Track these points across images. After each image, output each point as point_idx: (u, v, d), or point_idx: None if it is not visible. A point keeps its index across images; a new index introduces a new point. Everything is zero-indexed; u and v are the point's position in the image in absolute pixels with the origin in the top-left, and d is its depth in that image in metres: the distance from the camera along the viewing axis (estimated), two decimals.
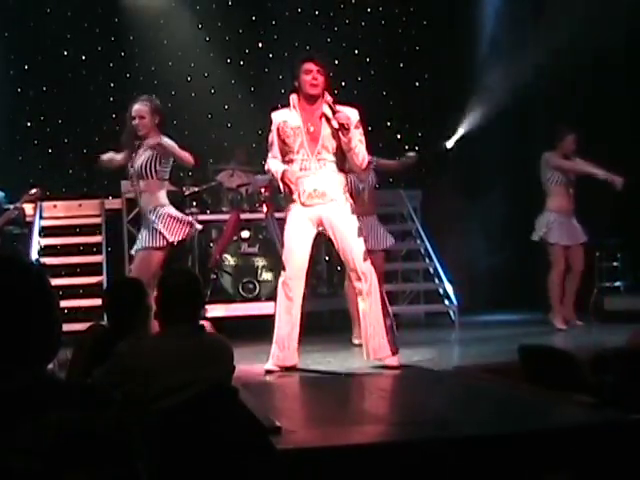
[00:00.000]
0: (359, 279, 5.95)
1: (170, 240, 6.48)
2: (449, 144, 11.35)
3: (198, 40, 11.01)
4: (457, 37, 10.83)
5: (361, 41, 11.42)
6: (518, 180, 10.06)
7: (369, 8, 11.49)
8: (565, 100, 10.31)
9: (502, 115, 10.56)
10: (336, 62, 11.07)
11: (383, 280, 7.81)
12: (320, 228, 6.08)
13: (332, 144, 5.98)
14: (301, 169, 5.98)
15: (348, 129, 5.89)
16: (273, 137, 6.11)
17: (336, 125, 5.92)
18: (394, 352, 5.97)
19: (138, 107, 6.60)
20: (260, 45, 11.29)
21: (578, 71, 10.03)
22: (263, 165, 7.08)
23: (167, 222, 6.51)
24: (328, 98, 6.02)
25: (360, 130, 6.01)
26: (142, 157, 6.58)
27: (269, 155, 6.15)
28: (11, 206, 8.18)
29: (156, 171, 6.60)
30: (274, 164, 6.07)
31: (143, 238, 6.54)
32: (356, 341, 7.46)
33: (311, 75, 5.96)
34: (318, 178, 5.97)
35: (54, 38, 10.50)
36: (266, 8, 11.31)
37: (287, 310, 5.98)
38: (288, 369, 6.00)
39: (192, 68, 11.04)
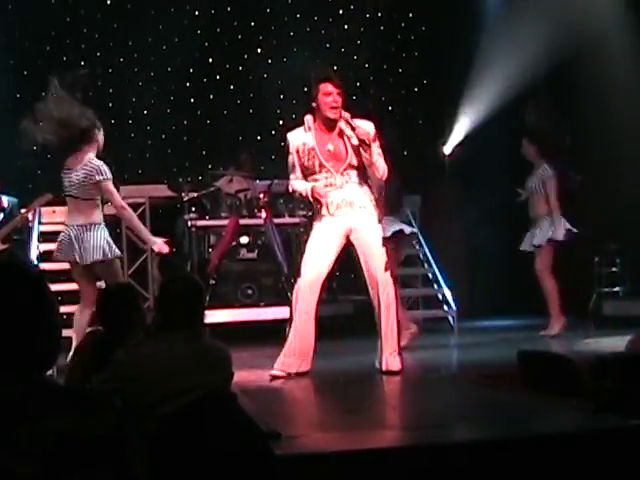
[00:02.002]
0: (377, 289, 5.95)
1: None
2: (447, 149, 11.36)
3: (197, 45, 11.02)
4: (456, 42, 10.83)
5: (360, 46, 11.43)
6: (518, 184, 10.05)
7: (368, 14, 11.50)
8: (565, 101, 10.32)
9: (501, 118, 10.55)
10: (335, 67, 11.07)
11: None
12: (349, 237, 6.07)
13: (356, 160, 6.03)
14: (326, 185, 6.02)
15: (369, 144, 5.92)
16: (293, 159, 6.12)
17: (356, 142, 5.96)
18: (402, 363, 6.02)
19: None
20: (259, 50, 11.29)
21: (578, 72, 10.04)
22: (262, 171, 7.13)
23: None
24: (345, 114, 6.00)
25: (377, 143, 6.04)
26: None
27: (291, 177, 6.18)
28: (23, 211, 8.20)
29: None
30: (299, 184, 6.11)
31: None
32: None
33: (331, 97, 5.95)
34: (345, 190, 6.02)
35: (53, 43, 10.50)
36: (265, 13, 11.32)
37: (299, 317, 6.00)
38: (293, 374, 5.98)
39: (191, 73, 11.05)
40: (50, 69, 10.48)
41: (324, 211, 6.02)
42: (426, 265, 9.88)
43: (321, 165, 6.02)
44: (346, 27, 11.46)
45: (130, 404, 3.15)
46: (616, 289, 9.64)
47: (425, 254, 9.89)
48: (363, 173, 6.08)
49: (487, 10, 11.05)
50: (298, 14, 11.33)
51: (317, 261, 5.96)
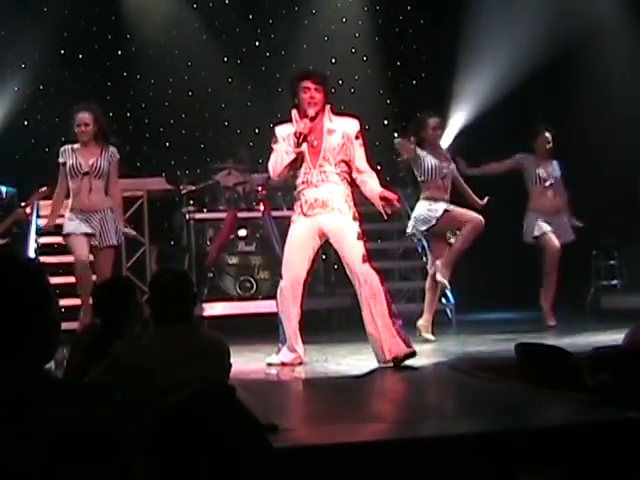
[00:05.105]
0: (359, 282, 5.96)
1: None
2: (446, 143, 11.35)
3: (195, 38, 11.01)
4: (454, 36, 10.82)
5: (358, 39, 11.42)
6: (517, 177, 10.04)
7: (366, 7, 11.49)
8: (564, 92, 10.32)
9: (500, 111, 10.55)
10: (333, 60, 11.08)
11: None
12: (322, 239, 6.16)
13: (334, 157, 6.05)
14: (303, 182, 6.08)
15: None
16: (277, 146, 6.16)
17: (338, 138, 6.05)
18: (409, 347, 5.93)
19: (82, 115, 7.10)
20: (257, 43, 11.28)
21: (576, 64, 10.05)
22: (261, 164, 7.02)
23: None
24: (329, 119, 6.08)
25: (360, 141, 6.11)
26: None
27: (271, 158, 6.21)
28: (22, 204, 8.20)
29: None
30: (275, 155, 6.13)
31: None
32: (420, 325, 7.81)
33: (309, 93, 6.05)
34: (320, 190, 6.04)
35: (51, 36, 10.48)
36: (263, 6, 11.31)
37: (287, 317, 6.15)
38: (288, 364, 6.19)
39: (189, 67, 11.04)
40: (48, 64, 10.52)
41: (298, 210, 6.10)
42: (424, 258, 9.88)
43: (303, 159, 6.07)
44: (344, 20, 11.45)
45: (128, 397, 3.16)
46: (614, 282, 9.65)
47: (423, 247, 9.88)
48: (344, 171, 6.09)
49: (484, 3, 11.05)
50: (296, 7, 11.31)
51: (296, 265, 6.08)
